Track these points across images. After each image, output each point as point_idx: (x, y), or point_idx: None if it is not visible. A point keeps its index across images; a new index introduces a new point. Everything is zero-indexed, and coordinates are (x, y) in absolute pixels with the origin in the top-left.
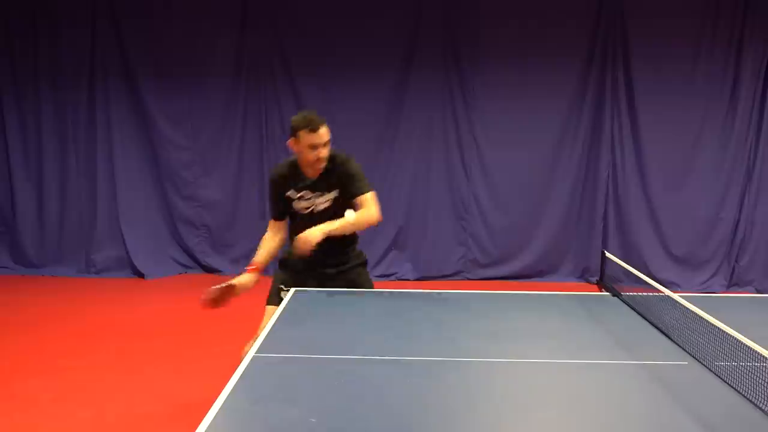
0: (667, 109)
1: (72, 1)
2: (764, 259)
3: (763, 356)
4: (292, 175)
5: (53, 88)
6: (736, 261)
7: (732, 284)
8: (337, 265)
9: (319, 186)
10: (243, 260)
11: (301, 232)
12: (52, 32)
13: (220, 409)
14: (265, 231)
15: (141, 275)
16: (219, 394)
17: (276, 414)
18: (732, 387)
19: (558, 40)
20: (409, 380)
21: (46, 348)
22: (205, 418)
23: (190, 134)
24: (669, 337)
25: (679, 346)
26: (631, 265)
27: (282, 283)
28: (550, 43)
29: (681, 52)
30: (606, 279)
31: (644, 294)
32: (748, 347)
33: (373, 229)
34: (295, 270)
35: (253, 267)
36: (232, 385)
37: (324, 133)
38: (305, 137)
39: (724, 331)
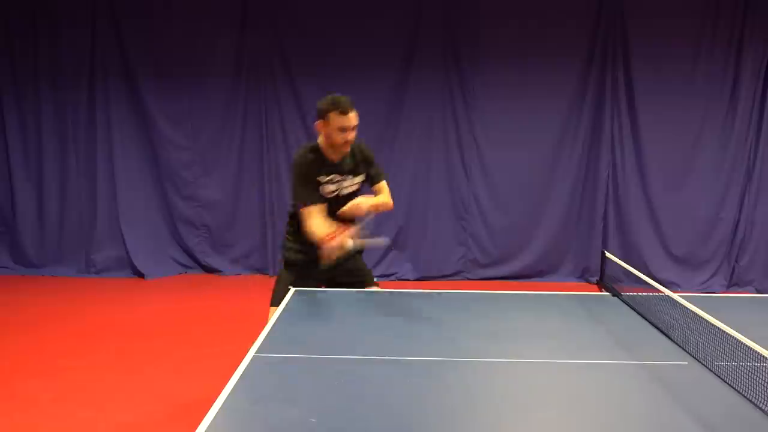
0: (667, 109)
1: (72, 1)
2: (764, 259)
3: (763, 356)
4: (318, 159)
5: (53, 88)
6: (736, 261)
7: (732, 284)
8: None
9: (346, 169)
10: (243, 260)
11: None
12: (52, 32)
13: (220, 409)
14: (264, 230)
15: (141, 275)
16: (219, 394)
17: (276, 414)
18: (732, 387)
19: (558, 40)
20: (409, 380)
21: (46, 348)
22: (205, 418)
23: (190, 134)
24: (669, 337)
25: (679, 346)
26: (631, 265)
27: (290, 285)
28: (550, 43)
29: (681, 52)
30: (606, 279)
31: (644, 294)
32: (748, 347)
33: (373, 229)
34: (301, 268)
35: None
36: (232, 385)
37: (353, 116)
38: (335, 119)
39: (724, 331)
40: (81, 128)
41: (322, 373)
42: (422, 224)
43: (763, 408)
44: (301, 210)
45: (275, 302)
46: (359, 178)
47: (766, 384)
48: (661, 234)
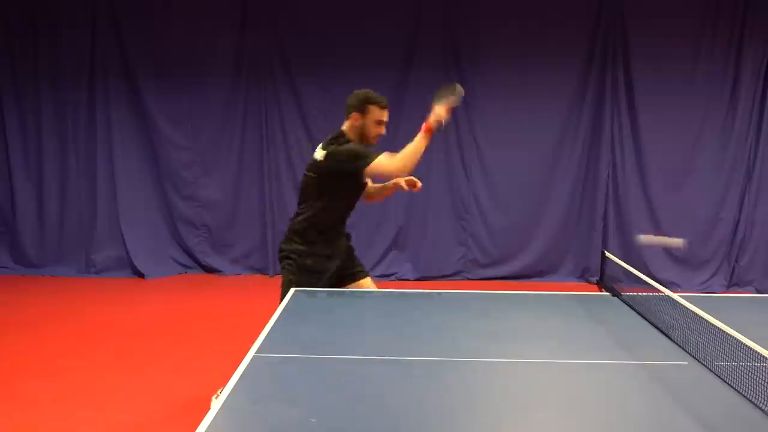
0: (667, 109)
1: (72, 1)
2: (764, 259)
3: (763, 356)
4: None
5: (53, 88)
6: (736, 261)
7: (732, 284)
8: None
9: None
10: (243, 260)
11: (347, 207)
12: (52, 32)
13: (220, 409)
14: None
15: (141, 275)
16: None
17: (276, 414)
18: (732, 387)
19: (558, 40)
20: (409, 380)
21: (46, 348)
22: (205, 418)
23: (190, 134)
24: (669, 337)
25: (679, 346)
26: (631, 265)
27: (299, 286)
28: (550, 43)
29: (681, 52)
30: (606, 279)
31: (644, 294)
32: (748, 347)
33: (373, 229)
34: (320, 272)
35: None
36: (232, 385)
37: (387, 113)
38: (375, 112)
39: (724, 331)
40: (81, 128)
41: (322, 373)
42: (422, 224)
43: (763, 408)
44: (372, 164)
45: None
46: None
47: (766, 384)
48: (661, 234)
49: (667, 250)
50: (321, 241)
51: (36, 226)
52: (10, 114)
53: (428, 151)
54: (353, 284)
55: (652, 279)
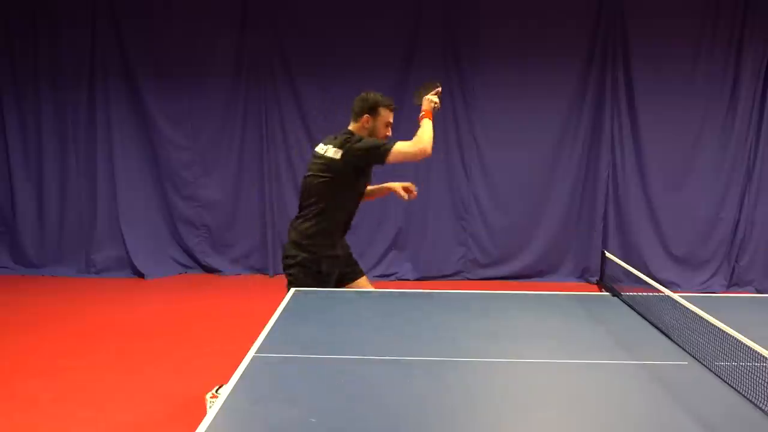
0: (667, 109)
1: (72, 1)
2: (764, 259)
3: (763, 356)
4: None
5: (53, 88)
6: (736, 261)
7: (732, 284)
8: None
9: None
10: (243, 260)
11: (355, 206)
12: (52, 32)
13: (220, 409)
14: (264, 230)
15: (141, 275)
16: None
17: (276, 414)
18: (732, 387)
19: (558, 40)
20: (409, 380)
21: (46, 348)
22: (205, 418)
23: (190, 134)
24: (669, 337)
25: (679, 346)
26: (631, 265)
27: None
28: (550, 43)
29: (681, 52)
30: (606, 279)
31: (644, 294)
32: (748, 347)
33: (373, 229)
34: (328, 274)
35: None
36: (232, 385)
37: (393, 114)
38: (385, 114)
39: (724, 331)
40: (81, 128)
41: (322, 373)
42: (422, 224)
43: (763, 408)
44: (394, 150)
45: None
46: None
47: (766, 384)
48: (661, 234)
49: (667, 250)
50: (330, 243)
51: (36, 226)
52: (10, 114)
53: None
54: (351, 285)
55: (652, 279)
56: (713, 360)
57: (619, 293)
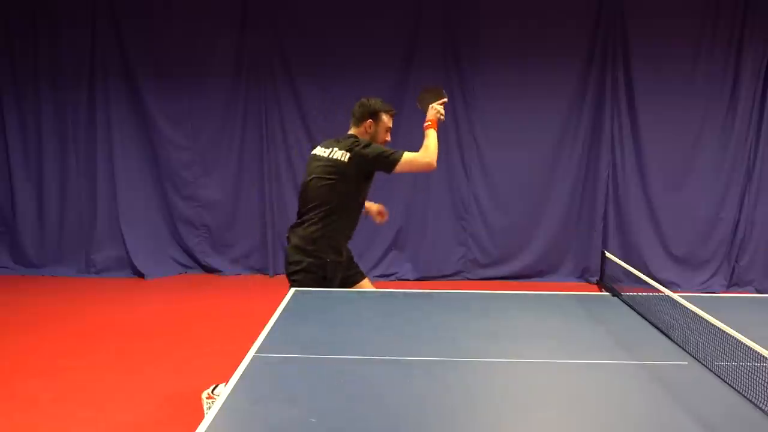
0: (667, 109)
1: (72, 1)
2: (764, 259)
3: (763, 356)
4: None
5: (53, 88)
6: (736, 261)
7: (732, 284)
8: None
9: None
10: (243, 260)
11: (360, 209)
12: (52, 32)
13: (220, 409)
14: (264, 230)
15: (141, 275)
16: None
17: (276, 414)
18: (732, 387)
19: (558, 40)
20: (409, 380)
21: (46, 348)
22: (205, 418)
23: (190, 134)
24: (669, 337)
25: (679, 346)
26: (631, 265)
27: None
28: (550, 43)
29: (681, 52)
30: (606, 279)
31: (644, 294)
32: (748, 347)
33: (373, 229)
34: (332, 279)
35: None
36: (232, 385)
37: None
38: (387, 120)
39: (724, 331)
40: (81, 128)
41: (322, 373)
42: (422, 224)
43: (763, 408)
44: (403, 160)
45: None
46: None
47: (766, 384)
48: (661, 234)
49: (667, 250)
50: (336, 249)
51: (36, 226)
52: (10, 114)
53: None
54: (354, 288)
55: (652, 279)
56: (713, 360)
57: (619, 293)
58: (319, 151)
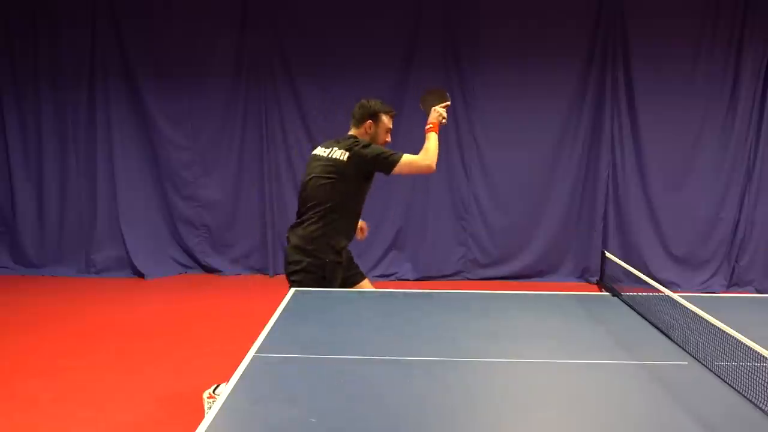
0: (667, 109)
1: (72, 1)
2: (764, 259)
3: (763, 356)
4: None
5: (53, 88)
6: (736, 261)
7: (732, 284)
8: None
9: None
10: (243, 260)
11: (358, 213)
12: (52, 32)
13: (220, 409)
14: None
15: (141, 275)
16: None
17: (276, 414)
18: (732, 387)
19: (558, 40)
20: (409, 380)
21: (46, 348)
22: (205, 418)
23: (190, 134)
24: (669, 337)
25: (679, 346)
26: (631, 265)
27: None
28: (550, 43)
29: (681, 52)
30: (606, 279)
31: (644, 294)
32: (748, 347)
33: (373, 229)
34: (332, 280)
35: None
36: (232, 385)
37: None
38: (387, 121)
39: (724, 331)
40: (81, 128)
41: (322, 373)
42: (422, 224)
43: (763, 408)
44: (403, 161)
45: None
46: None
47: (766, 384)
48: (661, 234)
49: (667, 250)
50: (335, 249)
51: (36, 226)
52: (10, 114)
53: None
54: (353, 287)
55: (652, 279)
56: (713, 360)
57: (619, 293)
58: (320, 151)
